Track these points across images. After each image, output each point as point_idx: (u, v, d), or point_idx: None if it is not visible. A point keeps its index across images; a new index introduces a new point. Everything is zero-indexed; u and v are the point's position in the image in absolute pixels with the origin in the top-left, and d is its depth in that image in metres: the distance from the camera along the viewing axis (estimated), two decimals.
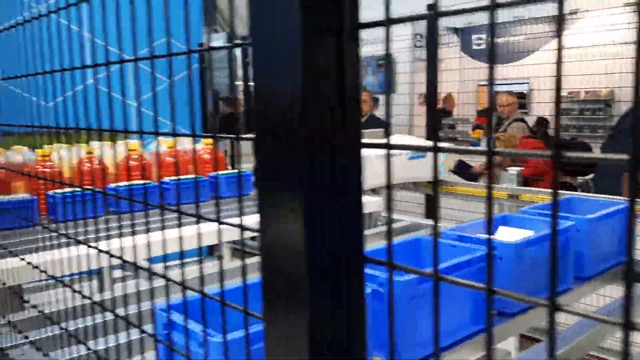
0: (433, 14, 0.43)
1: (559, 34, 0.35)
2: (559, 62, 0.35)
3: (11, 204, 1.60)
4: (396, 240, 1.72)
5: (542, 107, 5.56)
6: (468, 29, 8.45)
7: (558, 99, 0.37)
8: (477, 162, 4.90)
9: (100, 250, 0.95)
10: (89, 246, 0.98)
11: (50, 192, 1.70)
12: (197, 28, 5.72)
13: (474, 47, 8.49)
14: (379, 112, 6.56)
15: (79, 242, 1.01)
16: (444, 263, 1.38)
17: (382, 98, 8.22)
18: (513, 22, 7.22)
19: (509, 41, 7.44)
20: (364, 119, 6.57)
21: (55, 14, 1.03)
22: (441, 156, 2.57)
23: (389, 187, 0.49)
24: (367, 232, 2.60)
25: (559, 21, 0.36)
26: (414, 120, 6.44)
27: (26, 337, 1.28)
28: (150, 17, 0.86)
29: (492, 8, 0.44)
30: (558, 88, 0.35)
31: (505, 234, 1.71)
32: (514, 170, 3.43)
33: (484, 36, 8.19)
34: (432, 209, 3.81)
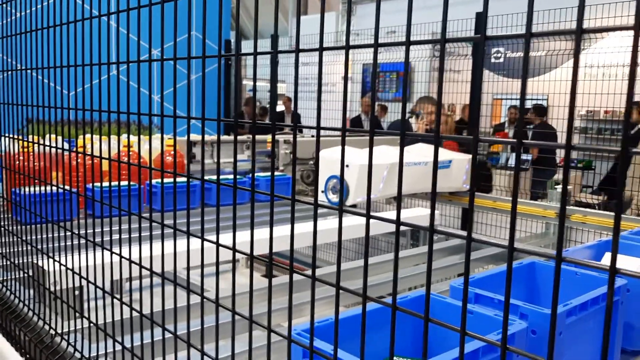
0: (481, 37, 0.48)
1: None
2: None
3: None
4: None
5: (559, 122, 5.58)
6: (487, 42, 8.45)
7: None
8: None
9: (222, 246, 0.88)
10: (209, 241, 0.92)
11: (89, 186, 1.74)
12: (226, 27, 5.87)
13: (492, 60, 8.50)
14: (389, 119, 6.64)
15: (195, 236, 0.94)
16: (586, 295, 1.18)
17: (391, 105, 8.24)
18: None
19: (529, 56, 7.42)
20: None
21: (105, 16, 1.08)
22: (465, 167, 2.60)
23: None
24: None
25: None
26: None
27: None
28: (176, 15, 0.91)
29: (529, 37, 0.49)
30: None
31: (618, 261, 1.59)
32: None
33: (502, 49, 8.20)
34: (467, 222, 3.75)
